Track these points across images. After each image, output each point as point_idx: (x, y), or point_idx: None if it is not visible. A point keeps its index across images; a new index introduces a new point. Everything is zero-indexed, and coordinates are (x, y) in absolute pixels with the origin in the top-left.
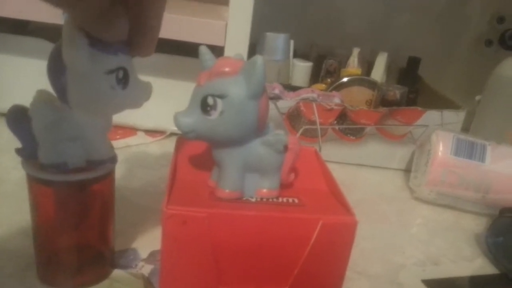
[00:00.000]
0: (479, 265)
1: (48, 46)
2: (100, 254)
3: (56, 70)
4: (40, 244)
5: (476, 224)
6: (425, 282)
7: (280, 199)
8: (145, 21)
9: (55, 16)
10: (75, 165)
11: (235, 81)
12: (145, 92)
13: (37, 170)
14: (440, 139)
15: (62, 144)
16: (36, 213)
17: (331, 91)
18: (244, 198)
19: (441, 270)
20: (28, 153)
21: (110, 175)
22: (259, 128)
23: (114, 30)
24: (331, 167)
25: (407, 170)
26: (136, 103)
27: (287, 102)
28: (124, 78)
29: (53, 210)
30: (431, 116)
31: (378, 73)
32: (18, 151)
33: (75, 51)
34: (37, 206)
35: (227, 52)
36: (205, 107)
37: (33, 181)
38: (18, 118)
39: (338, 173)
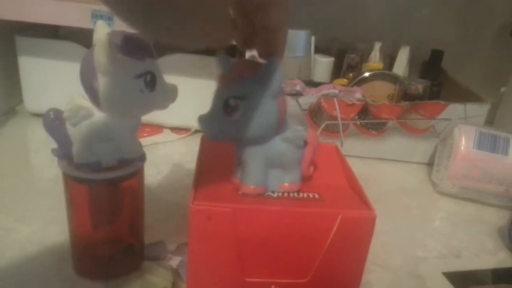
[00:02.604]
0: (501, 258)
1: (78, 49)
2: (131, 247)
3: (88, 75)
4: (76, 238)
5: (499, 217)
6: (446, 274)
7: (301, 195)
8: (274, 41)
9: (83, 21)
10: (107, 164)
11: (254, 82)
12: (171, 94)
13: (72, 168)
14: (463, 133)
15: (95, 144)
16: (71, 209)
17: (352, 86)
18: (267, 193)
19: (462, 263)
20: (63, 153)
21: (139, 172)
22: (279, 126)
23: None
24: (353, 161)
25: (430, 164)
26: (163, 105)
27: (309, 98)
28: (151, 82)
29: (87, 206)
30: (454, 109)
31: (400, 67)
32: (54, 151)
33: (106, 57)
34: (73, 202)
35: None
36: (227, 109)
37: (68, 179)
38: (54, 120)
39: (360, 167)
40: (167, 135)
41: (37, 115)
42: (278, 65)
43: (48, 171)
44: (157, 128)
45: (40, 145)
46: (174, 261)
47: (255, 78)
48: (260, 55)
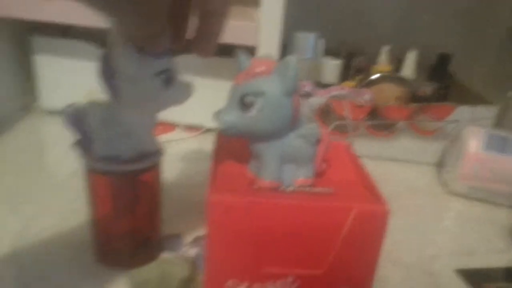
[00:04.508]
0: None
1: (90, 48)
2: (149, 239)
3: (107, 73)
4: (97, 230)
5: (509, 218)
6: (459, 271)
7: (315, 189)
8: (209, 28)
9: (95, 20)
10: (127, 157)
11: (271, 80)
12: (188, 91)
13: (95, 161)
14: (472, 134)
15: (115, 138)
16: (93, 201)
17: (361, 88)
18: (282, 188)
19: (474, 261)
20: (84, 147)
21: (157, 166)
22: (293, 122)
23: (158, 46)
24: (363, 162)
25: (439, 165)
26: (179, 101)
27: (318, 99)
28: (169, 79)
29: (108, 199)
30: (462, 111)
31: (408, 70)
32: (74, 145)
33: (124, 57)
34: (94, 195)
35: (260, 52)
36: (244, 105)
37: (90, 172)
38: (75, 115)
39: (370, 168)
40: (179, 133)
41: (52, 112)
42: (295, 64)
43: (65, 166)
44: (170, 126)
45: (56, 142)
46: (191, 252)
47: (271, 75)
48: (193, 47)
